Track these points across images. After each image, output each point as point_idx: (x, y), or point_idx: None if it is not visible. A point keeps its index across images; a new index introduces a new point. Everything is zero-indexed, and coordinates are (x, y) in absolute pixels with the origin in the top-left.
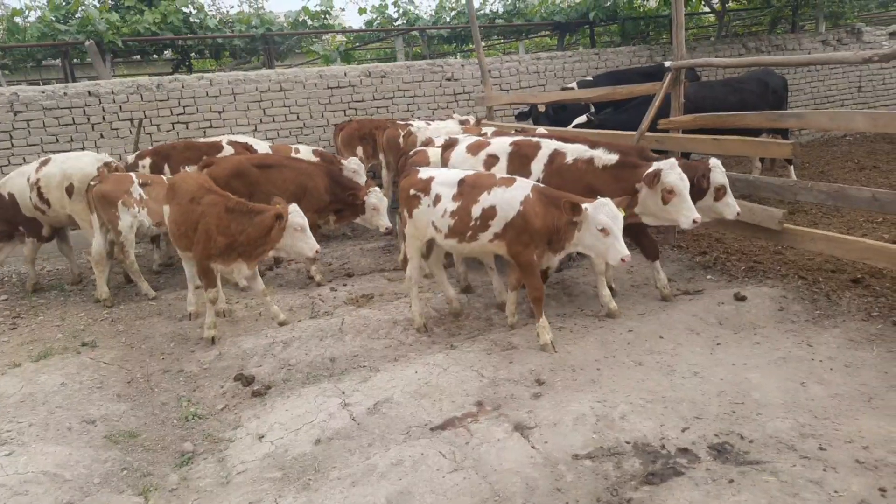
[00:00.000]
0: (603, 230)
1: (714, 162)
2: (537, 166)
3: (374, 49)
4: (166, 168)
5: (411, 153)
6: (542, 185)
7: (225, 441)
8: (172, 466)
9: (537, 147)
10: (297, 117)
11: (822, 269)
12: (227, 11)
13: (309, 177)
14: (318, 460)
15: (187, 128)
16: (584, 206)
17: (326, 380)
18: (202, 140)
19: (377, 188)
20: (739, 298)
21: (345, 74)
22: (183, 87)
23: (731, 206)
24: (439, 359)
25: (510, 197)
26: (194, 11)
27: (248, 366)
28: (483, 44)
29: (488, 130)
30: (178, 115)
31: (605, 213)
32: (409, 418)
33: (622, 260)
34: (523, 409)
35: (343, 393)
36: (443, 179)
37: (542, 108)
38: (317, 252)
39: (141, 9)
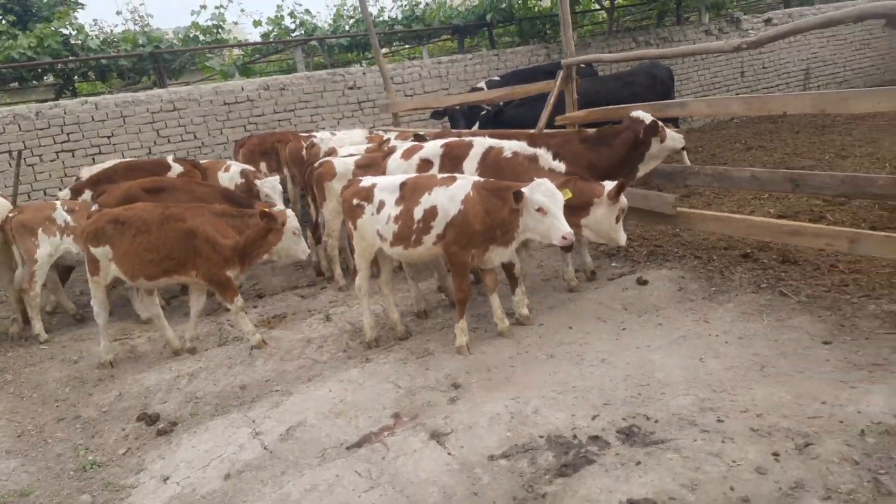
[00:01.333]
0: (539, 209)
1: (638, 112)
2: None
3: (275, 62)
4: None
5: (316, 164)
6: (482, 180)
7: (127, 488)
8: None
9: (469, 146)
10: (194, 136)
11: (716, 247)
12: (112, 30)
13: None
14: (228, 496)
15: (73, 156)
16: (522, 189)
17: (236, 409)
18: (144, 159)
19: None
20: (641, 283)
21: (242, 89)
22: (65, 113)
23: (676, 137)
24: (354, 374)
25: (451, 195)
26: (74, 32)
27: (152, 403)
28: (385, 50)
29: (391, 136)
30: (62, 143)
31: (540, 192)
32: (325, 440)
33: (563, 237)
34: (440, 416)
35: (253, 421)
36: (384, 185)
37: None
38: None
39: (14, 33)
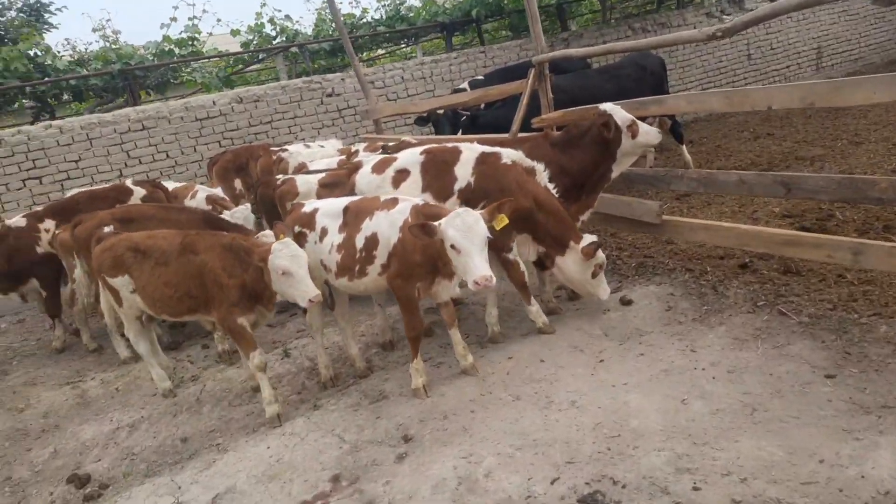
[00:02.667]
0: (453, 247)
1: (606, 105)
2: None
3: (261, 70)
4: None
5: (279, 182)
6: (423, 204)
7: None
8: None
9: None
10: (167, 155)
11: (711, 256)
12: (86, 49)
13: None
14: None
15: (41, 183)
16: (437, 222)
17: (168, 470)
18: (101, 187)
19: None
20: (626, 303)
21: (213, 103)
22: (29, 139)
23: (650, 133)
24: (298, 426)
25: (391, 221)
26: (41, 54)
27: (86, 461)
28: (371, 53)
29: (359, 147)
30: (27, 170)
31: (454, 226)
32: None
33: (475, 282)
34: (381, 480)
35: (179, 488)
36: (327, 210)
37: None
38: (311, 300)
39: None
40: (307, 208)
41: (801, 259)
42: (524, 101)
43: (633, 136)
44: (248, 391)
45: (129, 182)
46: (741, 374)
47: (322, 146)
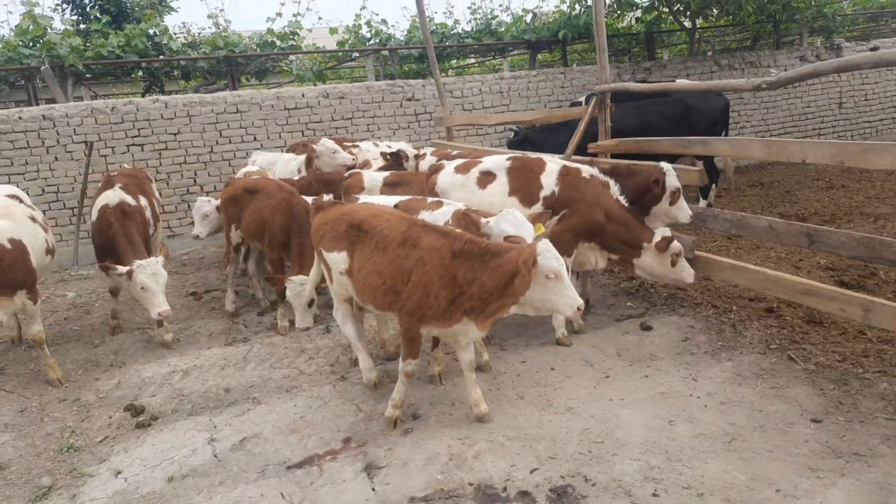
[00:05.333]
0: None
1: (666, 166)
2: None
3: (352, 69)
4: None
5: (346, 175)
6: (465, 208)
7: (86, 476)
8: (25, 501)
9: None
10: (255, 138)
11: (742, 297)
12: (199, 33)
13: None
14: (164, 499)
15: (142, 150)
16: (484, 220)
17: (209, 412)
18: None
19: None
20: (645, 328)
21: (302, 96)
22: (137, 109)
23: (684, 210)
24: (325, 391)
25: (433, 220)
26: (159, 34)
27: (143, 395)
28: (455, 63)
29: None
30: (133, 137)
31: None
32: (272, 455)
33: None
34: (385, 447)
35: (215, 427)
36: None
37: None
38: (578, 308)
39: (107, 32)
40: (360, 202)
41: (822, 310)
42: (582, 126)
43: (672, 202)
44: (288, 356)
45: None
46: (732, 406)
47: (390, 146)
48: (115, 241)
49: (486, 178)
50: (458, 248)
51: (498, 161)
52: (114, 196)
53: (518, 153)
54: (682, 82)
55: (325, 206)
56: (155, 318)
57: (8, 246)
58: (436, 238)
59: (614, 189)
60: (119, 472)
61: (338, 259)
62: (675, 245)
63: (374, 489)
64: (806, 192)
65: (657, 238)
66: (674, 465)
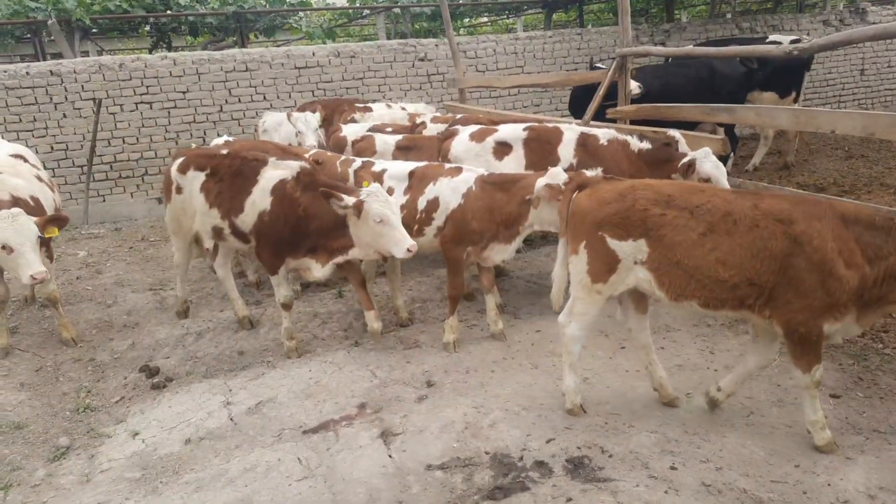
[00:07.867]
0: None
1: (701, 152)
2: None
3: (362, 27)
4: None
5: (359, 139)
6: (487, 174)
7: (103, 436)
8: (44, 461)
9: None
10: (264, 97)
11: None
12: None
13: None
14: (181, 461)
15: (151, 108)
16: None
17: (223, 375)
18: None
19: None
20: None
21: (313, 54)
22: (146, 66)
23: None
24: (339, 356)
25: (453, 188)
26: None
27: (157, 357)
28: (468, 22)
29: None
30: (141, 95)
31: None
32: (287, 419)
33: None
34: (400, 414)
35: (230, 391)
36: (394, 172)
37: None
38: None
39: None
40: (377, 168)
41: None
42: (601, 91)
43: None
44: (301, 320)
45: None
46: (750, 380)
47: (404, 108)
48: None
49: (503, 149)
50: (848, 215)
51: (514, 131)
52: None
53: (534, 123)
54: (705, 49)
55: (594, 182)
56: (402, 255)
57: (31, 203)
58: (812, 205)
59: (634, 143)
60: (136, 434)
61: (634, 249)
62: (702, 169)
63: (391, 456)
64: (824, 162)
65: (682, 162)
66: (691, 438)
